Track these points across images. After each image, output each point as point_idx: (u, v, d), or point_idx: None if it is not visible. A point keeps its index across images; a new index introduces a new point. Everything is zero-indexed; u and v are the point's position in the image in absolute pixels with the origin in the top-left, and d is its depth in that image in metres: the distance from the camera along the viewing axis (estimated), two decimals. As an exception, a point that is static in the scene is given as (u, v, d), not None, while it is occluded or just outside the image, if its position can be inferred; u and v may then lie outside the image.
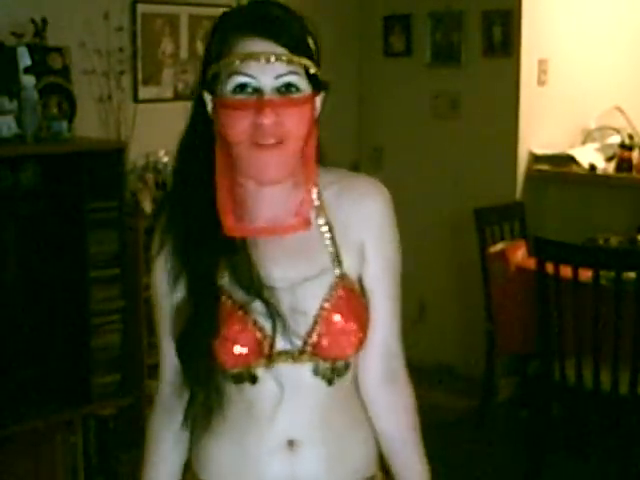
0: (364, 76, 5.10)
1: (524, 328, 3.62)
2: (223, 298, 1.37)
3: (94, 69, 3.77)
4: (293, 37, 1.35)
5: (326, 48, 1.44)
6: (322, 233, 1.43)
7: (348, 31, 4.99)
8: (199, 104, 1.43)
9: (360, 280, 1.46)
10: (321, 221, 1.44)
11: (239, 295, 1.37)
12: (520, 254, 3.79)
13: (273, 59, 1.32)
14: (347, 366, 1.43)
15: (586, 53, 4.75)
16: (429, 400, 4.29)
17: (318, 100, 1.42)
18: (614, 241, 3.94)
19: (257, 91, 1.33)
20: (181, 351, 1.40)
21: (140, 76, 4.02)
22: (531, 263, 3.50)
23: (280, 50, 1.33)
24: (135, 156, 3.88)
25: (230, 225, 1.37)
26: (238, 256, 1.38)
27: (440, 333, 4.77)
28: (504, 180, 4.59)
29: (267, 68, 1.33)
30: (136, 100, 4.00)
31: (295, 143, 1.35)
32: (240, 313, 1.36)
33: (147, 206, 3.78)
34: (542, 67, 4.57)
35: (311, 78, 1.37)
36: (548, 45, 4.59)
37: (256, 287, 1.37)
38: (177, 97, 4.16)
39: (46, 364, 3.41)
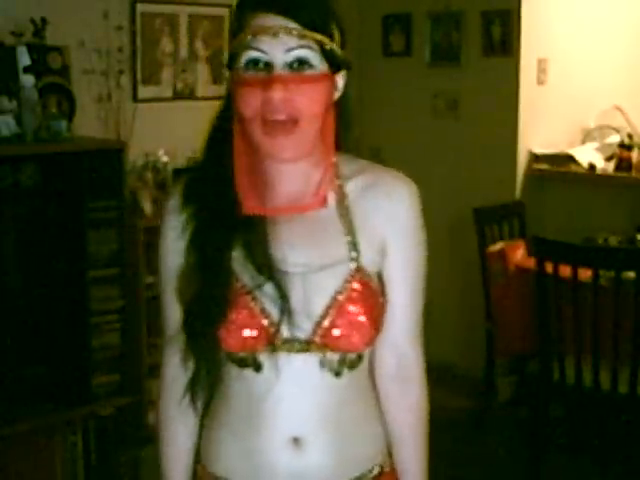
0: (363, 76, 5.11)
1: (523, 328, 3.62)
2: (233, 280, 1.35)
3: (93, 69, 3.77)
4: (307, 12, 1.33)
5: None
6: (342, 223, 1.41)
7: (347, 31, 4.98)
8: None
9: (380, 277, 1.45)
10: (342, 211, 1.42)
11: (249, 279, 1.36)
12: (519, 254, 3.79)
13: (282, 32, 1.31)
14: (360, 358, 1.42)
15: (585, 52, 4.75)
16: (429, 400, 4.30)
17: (340, 79, 1.41)
18: (613, 240, 3.94)
19: (268, 66, 1.32)
20: (187, 328, 1.39)
21: (139, 75, 4.02)
22: (530, 263, 3.50)
23: (292, 25, 1.32)
24: (134, 155, 3.88)
25: (249, 204, 1.36)
26: (255, 235, 1.37)
27: (440, 333, 4.77)
28: (504, 180, 4.59)
29: (277, 42, 1.31)
30: (135, 99, 4.00)
31: (310, 123, 1.34)
32: (248, 298, 1.35)
33: (147, 206, 3.78)
34: (541, 66, 4.57)
35: (328, 56, 1.36)
36: (547, 44, 4.59)
37: (268, 268, 1.35)
38: (176, 96, 4.16)
39: (46, 364, 3.41)
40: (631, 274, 3.19)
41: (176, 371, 1.46)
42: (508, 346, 3.83)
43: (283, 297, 1.34)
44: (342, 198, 1.42)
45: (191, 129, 4.10)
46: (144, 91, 4.04)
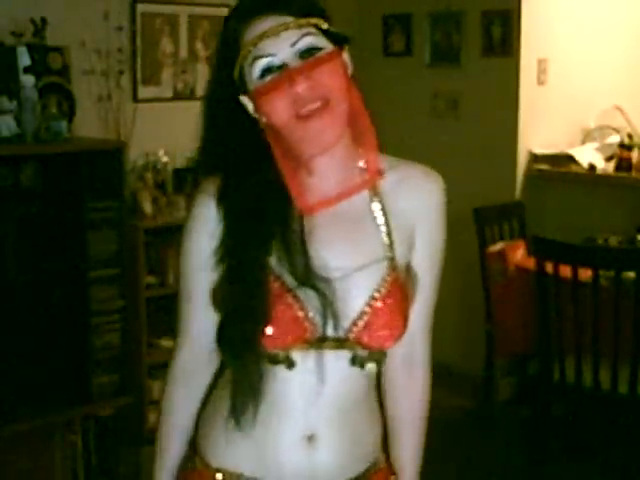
0: (363, 76, 5.10)
1: (523, 328, 3.62)
2: (271, 279, 1.35)
3: (93, 69, 3.78)
4: (294, 2, 1.36)
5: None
6: (376, 220, 1.43)
7: (347, 31, 4.98)
8: (228, 108, 1.40)
9: (407, 267, 1.46)
10: (376, 207, 1.43)
11: (289, 278, 1.35)
12: (519, 254, 3.80)
13: (282, 29, 1.33)
14: (384, 356, 1.44)
15: (585, 53, 4.75)
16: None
17: (345, 56, 1.45)
18: (613, 241, 3.94)
19: (282, 67, 1.34)
20: (224, 336, 1.37)
21: (139, 76, 4.02)
22: (530, 263, 3.50)
23: (287, 19, 1.34)
24: (135, 156, 3.88)
25: (306, 205, 1.38)
26: (293, 235, 1.37)
27: (440, 333, 4.76)
28: (504, 180, 4.59)
29: (281, 40, 1.33)
30: (135, 100, 4.00)
31: (338, 100, 1.36)
32: (289, 297, 1.34)
33: (147, 206, 3.78)
34: (542, 67, 4.57)
35: (328, 35, 1.39)
36: (547, 45, 4.58)
37: (309, 276, 1.34)
38: (176, 97, 4.16)
39: (46, 364, 3.41)
40: (631, 274, 3.19)
41: (188, 366, 1.47)
42: (508, 346, 3.83)
43: (325, 304, 1.35)
44: (375, 194, 1.44)
45: (191, 129, 4.13)
46: (144, 91, 4.04)
